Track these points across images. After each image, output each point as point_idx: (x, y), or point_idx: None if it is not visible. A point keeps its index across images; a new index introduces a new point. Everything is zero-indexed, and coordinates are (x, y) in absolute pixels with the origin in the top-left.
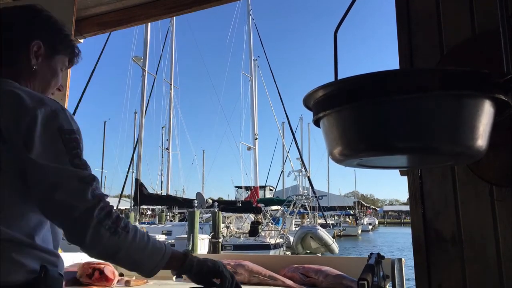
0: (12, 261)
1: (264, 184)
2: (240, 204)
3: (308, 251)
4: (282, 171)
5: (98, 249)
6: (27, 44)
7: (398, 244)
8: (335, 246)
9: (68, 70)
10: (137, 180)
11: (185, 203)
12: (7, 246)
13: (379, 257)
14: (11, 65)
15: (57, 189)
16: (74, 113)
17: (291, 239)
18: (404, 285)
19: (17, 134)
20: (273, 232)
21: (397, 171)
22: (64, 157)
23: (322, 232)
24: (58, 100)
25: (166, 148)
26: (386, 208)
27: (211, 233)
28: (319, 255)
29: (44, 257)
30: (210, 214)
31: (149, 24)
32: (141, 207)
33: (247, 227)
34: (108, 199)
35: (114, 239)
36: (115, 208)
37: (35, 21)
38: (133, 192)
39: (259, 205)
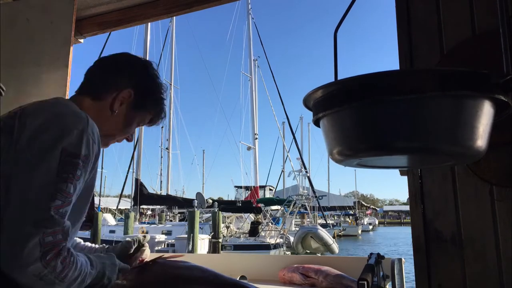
0: None
1: (264, 184)
2: (240, 204)
3: (308, 251)
4: (282, 171)
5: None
6: (120, 89)
7: (397, 243)
8: (335, 246)
9: (68, 70)
10: (137, 180)
11: (185, 203)
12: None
13: (379, 257)
14: (95, 99)
15: (13, 216)
16: None
17: (291, 239)
18: (404, 285)
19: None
20: (273, 232)
21: (397, 171)
22: (51, 177)
23: (323, 232)
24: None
25: (166, 148)
26: (386, 208)
27: (211, 233)
28: (319, 255)
29: None
30: (210, 214)
31: (149, 24)
32: (141, 207)
33: (247, 227)
34: (65, 243)
35: (46, 287)
36: (70, 249)
37: (139, 72)
38: (133, 192)
39: (259, 205)
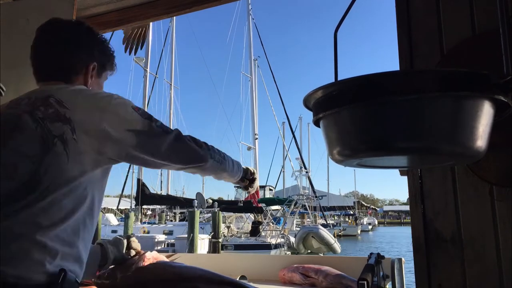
0: (36, 261)
1: (264, 184)
2: (242, 204)
3: (310, 251)
4: (282, 171)
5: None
6: (86, 65)
7: (397, 243)
8: (337, 246)
9: None
10: (138, 180)
11: (187, 203)
12: (34, 246)
13: (379, 257)
14: (70, 82)
15: (163, 151)
16: None
17: (292, 239)
18: (404, 285)
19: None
20: (274, 232)
21: (397, 171)
22: (149, 122)
23: (324, 232)
24: None
25: None
26: (386, 208)
27: (211, 233)
28: (322, 254)
29: (64, 264)
30: (211, 214)
31: (150, 24)
32: (142, 207)
33: (247, 227)
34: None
35: (222, 167)
36: None
37: (95, 43)
38: (135, 192)
39: (260, 205)
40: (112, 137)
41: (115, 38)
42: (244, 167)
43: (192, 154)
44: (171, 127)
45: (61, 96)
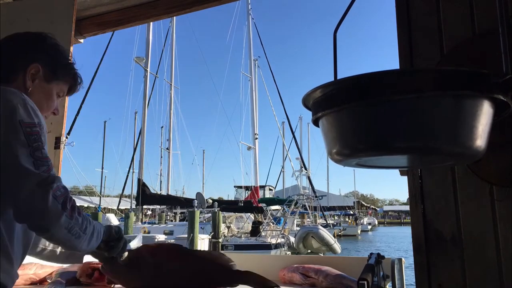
0: None
1: (264, 184)
2: (242, 204)
3: (310, 251)
4: (282, 171)
5: (60, 243)
6: (26, 66)
7: (396, 243)
8: (337, 246)
9: None
10: (139, 180)
11: (187, 203)
12: None
13: (379, 257)
14: (8, 83)
15: (19, 190)
16: (77, 114)
17: (292, 239)
18: (404, 285)
19: None
20: (274, 232)
21: (397, 171)
22: (25, 150)
23: (324, 232)
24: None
25: (167, 148)
26: (386, 208)
27: (211, 233)
28: (322, 255)
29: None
30: (211, 214)
31: (150, 24)
32: (143, 207)
33: (247, 227)
34: (66, 191)
35: (75, 242)
36: (74, 201)
37: (38, 46)
38: (135, 192)
39: (261, 205)
40: None
41: (115, 38)
42: (107, 229)
43: (39, 207)
44: (171, 127)
45: None
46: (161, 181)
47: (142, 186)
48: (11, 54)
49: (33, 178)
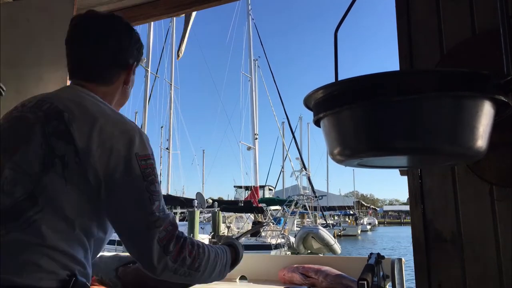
0: (45, 270)
1: (264, 184)
2: (242, 204)
3: (310, 251)
4: (282, 171)
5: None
6: (128, 67)
7: (396, 243)
8: (337, 246)
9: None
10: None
11: (187, 203)
12: (41, 257)
13: (379, 257)
14: (106, 85)
15: (128, 232)
16: None
17: (292, 239)
18: (404, 285)
19: (93, 157)
20: (274, 232)
21: (397, 171)
22: (141, 184)
23: (324, 232)
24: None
25: (166, 148)
26: (386, 208)
27: (211, 233)
28: (322, 255)
29: (75, 267)
30: (211, 214)
31: (151, 25)
32: None
33: (247, 227)
34: (179, 231)
35: (186, 279)
36: (193, 240)
37: (136, 42)
38: None
39: (260, 205)
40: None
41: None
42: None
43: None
44: (171, 127)
45: (77, 115)
46: (161, 181)
47: None
48: (115, 58)
49: (144, 219)
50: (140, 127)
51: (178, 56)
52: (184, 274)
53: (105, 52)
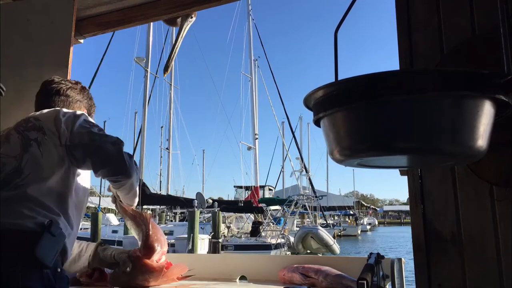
0: (27, 216)
1: (264, 184)
2: (242, 204)
3: (309, 251)
4: (282, 171)
5: (134, 176)
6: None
7: (395, 243)
8: (336, 247)
9: (68, 70)
10: (139, 180)
11: (187, 203)
12: (25, 208)
13: (379, 257)
14: None
15: (102, 148)
16: None
17: (292, 239)
18: (404, 285)
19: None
20: (274, 232)
21: (397, 171)
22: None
23: (323, 232)
24: None
25: (166, 148)
26: (386, 208)
27: (211, 233)
28: (320, 255)
29: (52, 216)
30: (211, 214)
31: (151, 25)
32: (143, 207)
33: (247, 227)
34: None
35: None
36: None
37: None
38: None
39: (261, 205)
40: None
41: (116, 38)
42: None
43: (119, 163)
44: (171, 127)
45: (44, 118)
46: (161, 181)
47: (141, 186)
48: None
49: (109, 139)
50: (140, 126)
51: (165, 72)
52: (135, 175)
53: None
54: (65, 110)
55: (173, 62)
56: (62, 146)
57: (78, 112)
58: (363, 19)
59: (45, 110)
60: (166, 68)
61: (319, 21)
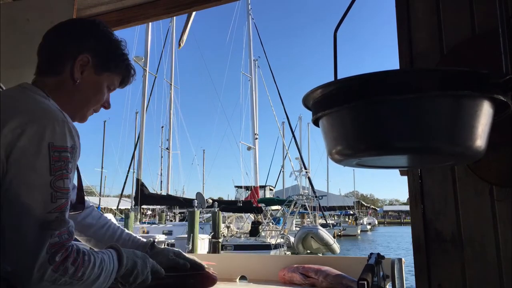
0: None
1: (264, 184)
2: (241, 204)
3: (309, 251)
4: (282, 171)
5: None
6: (75, 56)
7: (396, 243)
8: (336, 246)
9: None
10: (137, 180)
11: (186, 203)
12: None
13: (379, 257)
14: (53, 75)
15: (18, 225)
16: None
17: (292, 239)
18: (404, 285)
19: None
20: (273, 232)
21: (397, 171)
22: (45, 176)
23: (323, 232)
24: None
25: (167, 148)
26: (386, 208)
27: (211, 233)
28: (321, 255)
29: None
30: (211, 214)
31: (149, 24)
32: (142, 207)
33: (247, 227)
34: (71, 243)
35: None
36: (79, 248)
37: (89, 34)
38: (134, 192)
39: (260, 205)
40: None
41: None
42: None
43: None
44: (171, 127)
45: (3, 99)
46: (161, 181)
47: (140, 186)
48: (58, 44)
49: (39, 215)
50: (139, 126)
51: (180, 45)
52: (65, 283)
53: (58, 40)
54: (33, 100)
55: (186, 35)
56: None
57: (50, 118)
58: (363, 20)
59: (18, 92)
60: (180, 42)
61: (319, 22)
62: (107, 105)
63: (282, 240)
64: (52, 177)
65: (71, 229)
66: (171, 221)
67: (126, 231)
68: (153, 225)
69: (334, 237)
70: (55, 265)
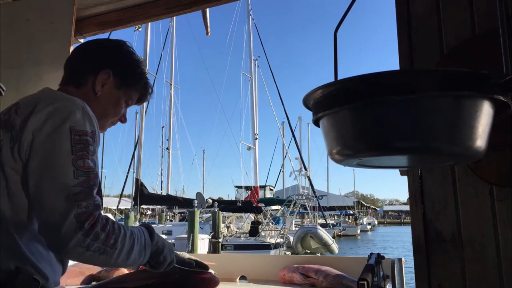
0: None
1: (264, 184)
2: (241, 204)
3: (308, 251)
4: (282, 171)
5: (84, 262)
6: (97, 72)
7: (393, 241)
8: (334, 246)
9: None
10: (137, 180)
11: (185, 203)
12: None
13: (379, 257)
14: (78, 87)
15: (43, 202)
16: None
17: (291, 239)
18: (404, 285)
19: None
20: (273, 232)
21: (397, 171)
22: (67, 156)
23: (322, 232)
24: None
25: (167, 148)
26: (386, 208)
27: (211, 233)
28: (319, 255)
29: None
30: (210, 214)
31: (149, 24)
32: (141, 207)
33: (247, 227)
34: (100, 212)
35: (101, 257)
36: (108, 217)
37: (111, 53)
38: (133, 192)
39: (260, 205)
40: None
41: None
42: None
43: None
44: (171, 127)
45: (26, 101)
46: (161, 181)
47: (140, 186)
48: (83, 59)
49: (64, 190)
50: (139, 126)
51: (208, 32)
52: (98, 250)
53: (83, 55)
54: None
55: (208, 20)
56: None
57: (70, 104)
58: (363, 20)
59: (44, 94)
60: (207, 29)
61: (319, 22)
62: (123, 119)
63: (281, 240)
64: (73, 156)
65: (98, 202)
66: (171, 221)
67: None
68: (153, 225)
69: (334, 237)
70: (85, 231)
